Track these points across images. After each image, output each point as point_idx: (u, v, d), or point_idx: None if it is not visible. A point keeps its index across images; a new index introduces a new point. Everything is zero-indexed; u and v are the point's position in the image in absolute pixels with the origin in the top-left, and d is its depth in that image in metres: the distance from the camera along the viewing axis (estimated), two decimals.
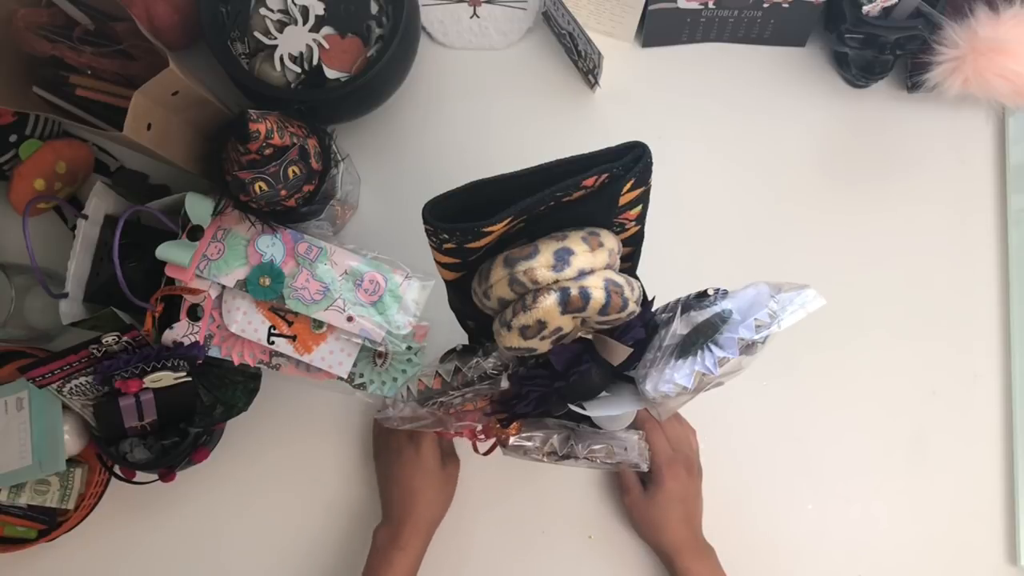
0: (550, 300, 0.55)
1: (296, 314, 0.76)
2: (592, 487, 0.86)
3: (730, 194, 0.90)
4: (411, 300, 0.76)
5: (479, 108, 0.93)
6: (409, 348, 0.78)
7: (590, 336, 0.62)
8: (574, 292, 0.55)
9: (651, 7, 0.88)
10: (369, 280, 0.76)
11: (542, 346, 0.59)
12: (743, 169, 0.91)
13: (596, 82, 0.90)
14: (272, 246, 0.76)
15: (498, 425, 0.66)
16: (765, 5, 0.87)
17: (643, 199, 0.60)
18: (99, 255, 0.81)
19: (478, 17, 0.91)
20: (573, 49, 0.90)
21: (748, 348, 0.56)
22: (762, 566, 0.84)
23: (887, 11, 0.82)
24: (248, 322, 0.76)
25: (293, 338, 0.77)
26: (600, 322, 0.59)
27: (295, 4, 0.82)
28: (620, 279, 0.57)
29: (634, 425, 0.77)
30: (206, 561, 0.87)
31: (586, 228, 0.58)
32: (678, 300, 0.62)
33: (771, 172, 0.91)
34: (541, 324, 0.56)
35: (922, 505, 0.85)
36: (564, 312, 0.56)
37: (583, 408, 0.63)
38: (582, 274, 0.55)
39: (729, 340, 0.56)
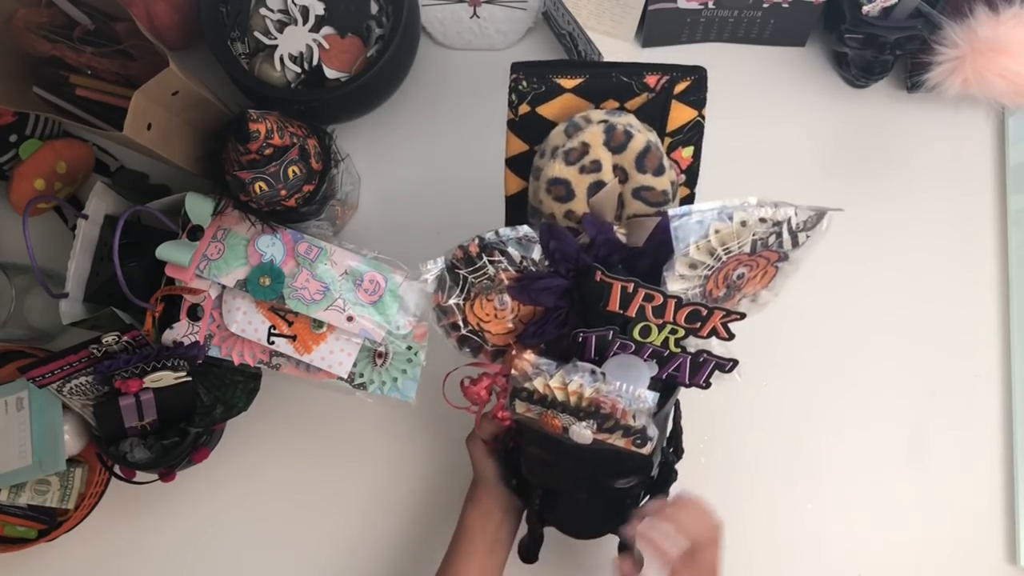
0: (597, 127, 0.60)
1: (296, 314, 0.76)
2: None
3: (730, 194, 0.90)
4: (411, 300, 0.76)
5: (479, 108, 0.93)
6: (409, 348, 0.78)
7: (623, 232, 0.63)
8: (619, 128, 0.60)
9: (651, 7, 0.88)
10: (369, 280, 0.76)
11: (579, 183, 0.61)
12: (743, 169, 0.91)
13: None
14: (272, 246, 0.76)
15: (513, 351, 0.65)
16: (765, 5, 0.87)
17: (695, 134, 0.65)
18: (99, 255, 0.81)
19: (478, 17, 0.91)
20: (573, 49, 0.90)
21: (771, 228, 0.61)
22: (762, 566, 0.84)
23: (887, 11, 0.82)
24: (248, 322, 0.76)
25: (293, 338, 0.77)
26: (637, 187, 0.62)
27: (295, 4, 0.82)
28: (663, 151, 0.62)
29: None
30: (206, 561, 0.87)
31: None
32: None
33: (771, 172, 0.91)
34: (584, 147, 0.60)
35: (922, 505, 0.85)
36: (606, 144, 0.60)
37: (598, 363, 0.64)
38: (631, 125, 0.61)
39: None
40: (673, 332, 0.62)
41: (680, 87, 0.63)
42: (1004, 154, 0.90)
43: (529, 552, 0.72)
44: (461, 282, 0.63)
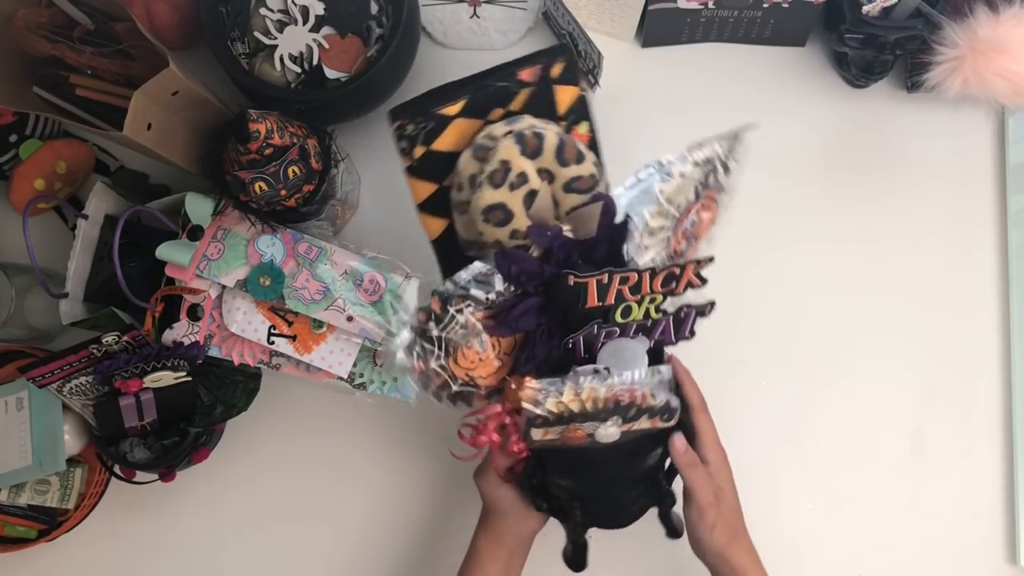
0: (508, 140, 0.60)
1: (296, 314, 0.76)
2: None
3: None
4: (411, 300, 0.76)
5: None
6: None
7: (569, 229, 0.63)
8: (528, 133, 0.60)
9: (651, 7, 0.88)
10: (369, 280, 0.76)
11: (514, 201, 0.61)
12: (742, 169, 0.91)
13: (596, 82, 0.90)
14: (272, 246, 0.76)
15: (512, 386, 0.63)
16: (765, 5, 0.87)
17: (584, 108, 0.66)
18: (99, 255, 0.81)
19: (478, 17, 0.91)
20: (573, 49, 0.90)
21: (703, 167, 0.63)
22: None
23: (887, 11, 0.82)
24: (248, 322, 0.76)
25: (293, 338, 0.77)
26: (566, 181, 0.62)
27: (295, 4, 0.82)
28: (574, 139, 0.63)
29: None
30: (206, 561, 0.87)
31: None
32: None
33: (771, 172, 0.91)
34: (505, 166, 0.60)
35: (922, 505, 0.85)
36: (523, 153, 0.60)
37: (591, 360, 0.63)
38: (534, 127, 0.61)
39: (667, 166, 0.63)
40: (652, 301, 0.62)
41: (556, 70, 0.64)
42: (1004, 154, 0.90)
43: (578, 560, 0.70)
44: (437, 342, 0.62)
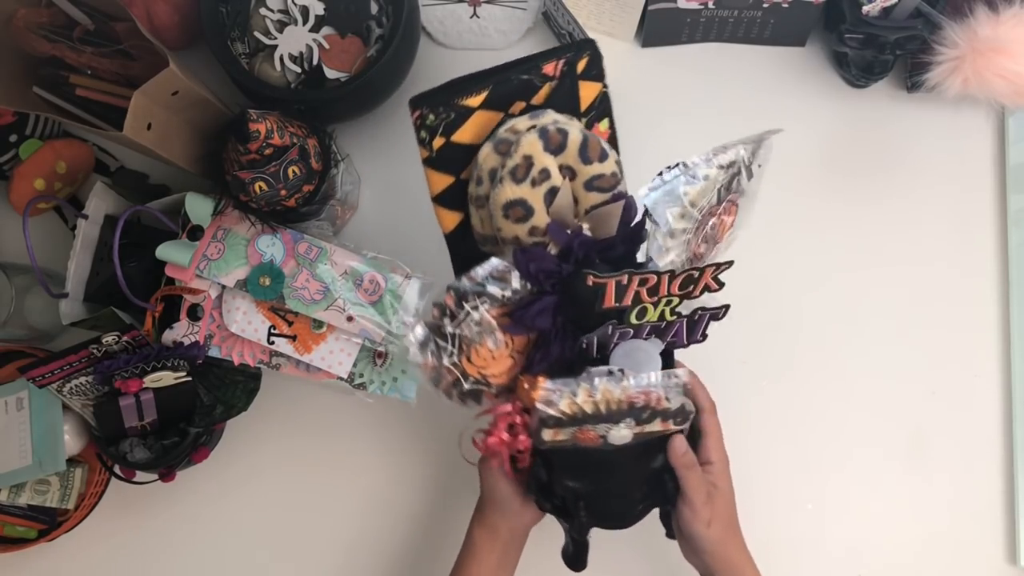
0: (531, 135, 0.58)
1: (296, 314, 0.76)
2: None
3: None
4: (411, 300, 0.76)
5: None
6: None
7: (587, 227, 0.62)
8: (552, 129, 0.58)
9: (651, 7, 0.88)
10: (369, 280, 0.76)
11: (535, 197, 0.59)
12: None
13: None
14: (272, 246, 0.76)
15: (525, 386, 0.62)
16: (765, 5, 0.87)
17: (606, 105, 0.65)
18: (99, 255, 0.81)
19: (478, 17, 0.91)
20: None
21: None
22: (762, 566, 0.84)
23: (887, 11, 0.82)
24: (248, 322, 0.76)
25: (293, 338, 0.77)
26: (588, 179, 0.61)
27: (295, 4, 0.82)
28: (599, 137, 0.61)
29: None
30: (206, 561, 0.87)
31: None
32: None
33: (770, 172, 0.90)
34: (528, 161, 0.58)
35: (922, 505, 0.85)
36: (546, 149, 0.58)
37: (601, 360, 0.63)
38: (557, 122, 0.60)
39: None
40: (668, 303, 0.61)
41: (581, 65, 0.62)
42: (1004, 154, 0.90)
43: (578, 559, 0.70)
44: (450, 339, 0.61)
